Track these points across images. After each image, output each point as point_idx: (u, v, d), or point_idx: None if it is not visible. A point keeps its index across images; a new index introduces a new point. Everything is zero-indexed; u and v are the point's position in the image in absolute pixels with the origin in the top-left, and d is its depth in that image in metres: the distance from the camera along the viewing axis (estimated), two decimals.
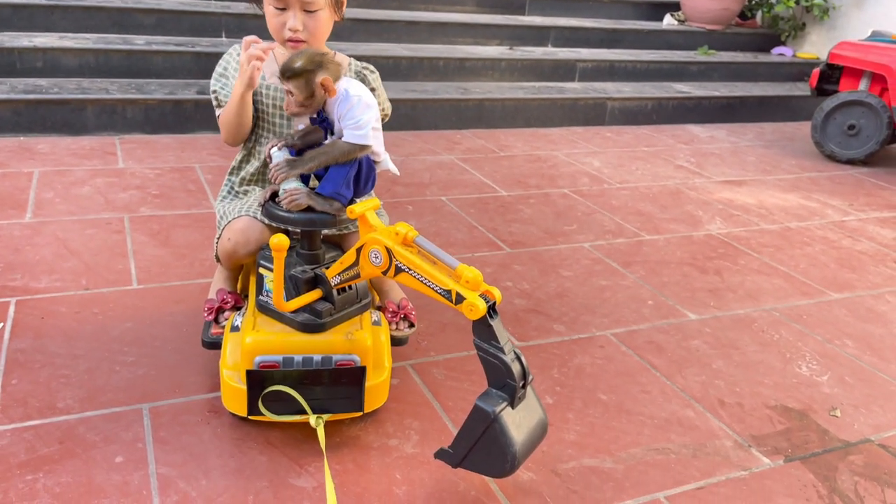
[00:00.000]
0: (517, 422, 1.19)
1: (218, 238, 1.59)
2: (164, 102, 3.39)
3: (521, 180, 3.21)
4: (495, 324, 1.18)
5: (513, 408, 1.19)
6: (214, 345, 1.59)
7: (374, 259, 1.28)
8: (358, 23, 4.40)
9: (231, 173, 1.71)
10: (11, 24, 3.69)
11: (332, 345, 1.37)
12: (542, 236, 2.60)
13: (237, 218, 1.54)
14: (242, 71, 1.46)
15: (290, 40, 1.53)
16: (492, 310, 1.18)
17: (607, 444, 1.52)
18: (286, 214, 1.38)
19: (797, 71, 5.49)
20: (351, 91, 1.37)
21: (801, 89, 5.14)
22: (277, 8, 1.51)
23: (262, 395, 1.34)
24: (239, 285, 1.75)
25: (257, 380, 1.33)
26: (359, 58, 1.73)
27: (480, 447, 1.19)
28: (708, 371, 1.84)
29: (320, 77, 1.33)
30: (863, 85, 4.02)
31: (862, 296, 2.36)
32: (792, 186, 3.54)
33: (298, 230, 1.44)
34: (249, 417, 1.38)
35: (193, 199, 2.65)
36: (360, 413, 1.40)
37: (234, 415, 1.45)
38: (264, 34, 1.55)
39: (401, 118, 3.71)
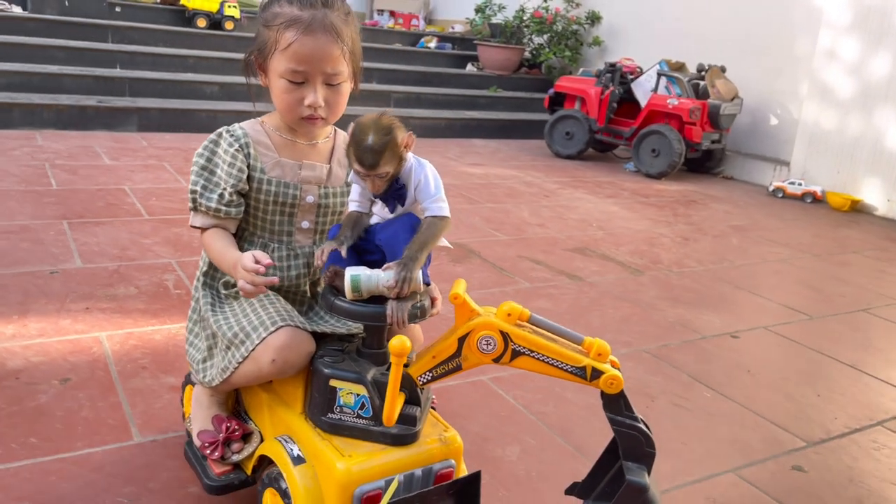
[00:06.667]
0: (654, 490, 1.14)
1: (239, 362, 1.26)
2: (71, 108, 4.77)
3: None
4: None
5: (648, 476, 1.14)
6: (227, 488, 1.33)
7: (484, 346, 1.13)
8: None
9: (206, 277, 1.40)
10: None
11: (429, 454, 1.19)
12: None
13: (274, 332, 1.22)
14: (243, 289, 1.23)
15: (307, 118, 1.31)
16: None
17: None
18: (364, 309, 1.16)
19: None
20: (414, 155, 1.22)
21: None
22: (293, 82, 1.28)
23: None
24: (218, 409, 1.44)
25: None
26: None
27: None
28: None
29: (401, 137, 1.18)
30: (577, 105, 5.87)
31: (519, 204, 4.03)
32: (516, 168, 5.26)
33: (362, 326, 1.26)
34: None
35: (92, 159, 4.04)
36: None
37: None
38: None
39: None
